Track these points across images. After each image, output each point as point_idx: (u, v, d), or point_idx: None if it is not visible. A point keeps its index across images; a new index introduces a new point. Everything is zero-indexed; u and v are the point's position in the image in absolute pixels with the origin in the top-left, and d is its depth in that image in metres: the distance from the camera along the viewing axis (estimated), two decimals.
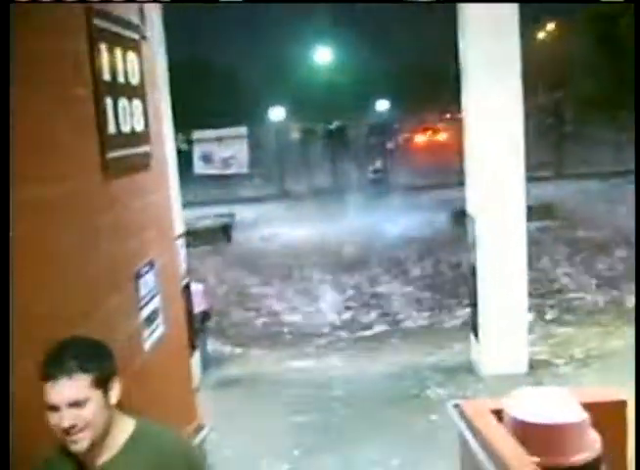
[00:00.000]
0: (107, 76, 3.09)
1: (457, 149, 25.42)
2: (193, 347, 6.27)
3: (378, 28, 48.38)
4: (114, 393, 2.01)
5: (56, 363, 1.90)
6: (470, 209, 6.79)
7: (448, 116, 35.81)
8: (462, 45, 6.56)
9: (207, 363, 7.11)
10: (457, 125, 30.55)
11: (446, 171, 24.55)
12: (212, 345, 7.76)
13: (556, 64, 18.24)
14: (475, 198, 6.64)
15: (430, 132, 38.35)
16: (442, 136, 35.58)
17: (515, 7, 6.19)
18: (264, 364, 7.41)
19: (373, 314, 9.27)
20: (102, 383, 1.96)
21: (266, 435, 5.41)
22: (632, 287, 8.94)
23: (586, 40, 18.70)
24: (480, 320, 6.63)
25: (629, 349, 6.80)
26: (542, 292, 9.42)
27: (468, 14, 6.30)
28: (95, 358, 1.97)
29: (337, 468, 4.94)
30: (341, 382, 6.55)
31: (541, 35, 26.20)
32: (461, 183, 20.06)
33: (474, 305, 6.79)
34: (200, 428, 4.33)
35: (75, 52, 2.89)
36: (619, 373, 6.10)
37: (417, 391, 6.16)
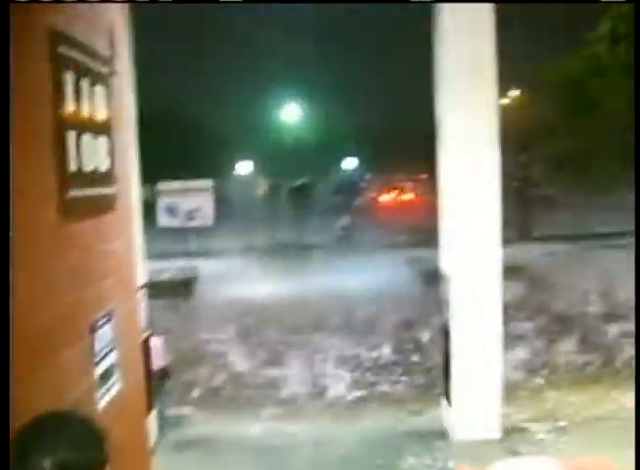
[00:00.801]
0: (70, 108, 2.84)
1: (424, 209, 25.73)
2: (150, 406, 5.90)
3: (347, 87, 49.19)
4: None
5: (27, 464, 1.40)
6: (443, 268, 6.60)
7: (414, 176, 36.23)
8: (439, 107, 6.47)
9: (165, 424, 6.71)
10: (423, 186, 30.98)
11: (413, 231, 24.61)
12: (170, 404, 7.33)
13: (522, 127, 18.45)
14: (449, 257, 6.46)
15: (397, 192, 38.60)
16: (409, 196, 35.84)
17: (493, 69, 6.14)
18: (225, 426, 7.00)
19: (340, 378, 8.85)
20: None
21: None
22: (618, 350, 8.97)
23: (553, 104, 19.07)
24: (453, 384, 6.37)
25: (617, 415, 6.61)
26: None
27: (444, 74, 6.25)
28: (82, 450, 1.47)
29: None
30: (307, 449, 6.18)
31: (506, 101, 26.78)
32: (428, 243, 20.04)
33: (446, 367, 6.54)
34: None
35: (37, 79, 2.64)
36: (604, 442, 5.89)
37: (388, 459, 5.83)
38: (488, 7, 6.07)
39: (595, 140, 17.64)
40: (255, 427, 6.93)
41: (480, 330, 6.22)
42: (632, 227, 22.74)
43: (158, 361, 6.61)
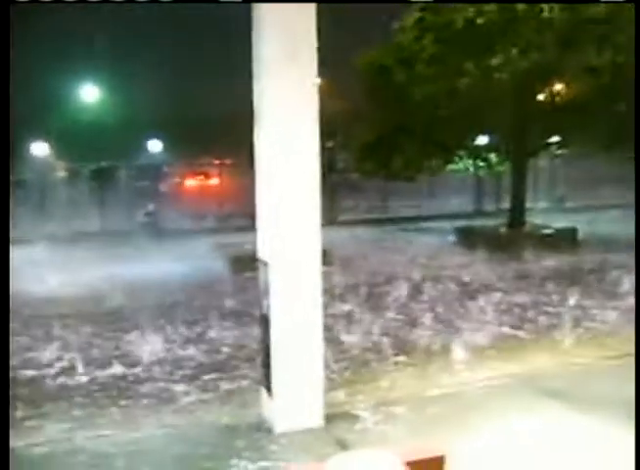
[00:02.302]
0: None
1: (229, 194, 25.57)
2: None
3: (151, 70, 47.74)
4: None
5: None
6: (261, 254, 6.36)
7: (218, 161, 35.99)
8: (256, 91, 6.21)
9: None
10: (228, 171, 30.79)
11: (219, 216, 24.45)
12: None
13: (327, 115, 18.67)
14: (267, 243, 6.22)
15: (202, 176, 38.14)
16: (214, 181, 35.47)
17: (313, 52, 5.99)
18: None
19: (162, 379, 8.25)
20: None
21: None
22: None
23: (361, 93, 19.52)
24: (274, 373, 6.18)
25: (443, 396, 6.75)
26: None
27: (261, 58, 5.99)
28: None
29: None
30: (120, 459, 5.64)
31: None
32: (235, 228, 19.77)
33: (266, 357, 6.33)
34: None
35: None
36: (430, 424, 5.97)
37: (206, 455, 5.52)
38: None
39: (398, 128, 18.28)
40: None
41: (300, 317, 6.08)
42: (427, 213, 24.14)
43: None
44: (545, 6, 13.16)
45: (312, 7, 5.98)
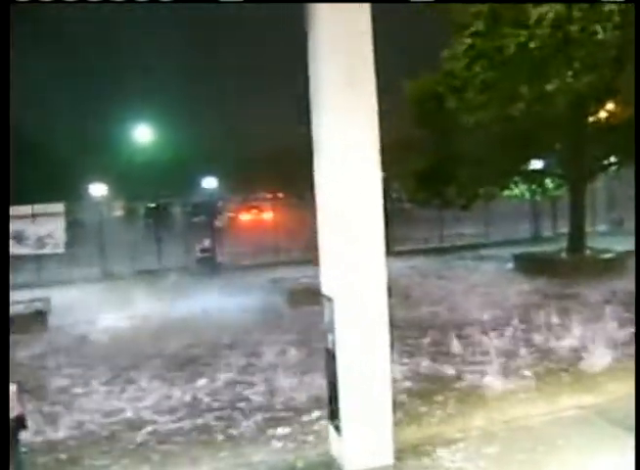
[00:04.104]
0: None
1: (283, 228, 25.53)
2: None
3: (201, 106, 48.63)
4: None
5: None
6: (326, 289, 6.25)
7: (270, 195, 36.24)
8: (316, 123, 6.17)
9: None
10: (280, 204, 30.90)
11: (273, 250, 24.43)
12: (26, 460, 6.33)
13: (382, 143, 18.67)
14: (332, 278, 6.12)
15: (255, 211, 38.48)
16: (267, 215, 35.70)
17: (372, 82, 5.94)
18: None
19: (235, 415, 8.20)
20: None
21: None
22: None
23: (413, 121, 19.34)
24: (342, 410, 6.04)
25: (512, 430, 6.51)
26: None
27: (320, 89, 5.97)
28: None
29: None
30: None
31: None
32: (289, 262, 19.56)
33: (333, 393, 6.20)
34: None
35: None
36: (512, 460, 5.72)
37: None
38: (367, 18, 5.87)
39: (451, 156, 18.07)
40: None
41: (367, 351, 5.94)
42: (483, 240, 23.56)
43: (10, 410, 5.77)
44: (599, 27, 12.90)
45: (369, 32, 5.92)
